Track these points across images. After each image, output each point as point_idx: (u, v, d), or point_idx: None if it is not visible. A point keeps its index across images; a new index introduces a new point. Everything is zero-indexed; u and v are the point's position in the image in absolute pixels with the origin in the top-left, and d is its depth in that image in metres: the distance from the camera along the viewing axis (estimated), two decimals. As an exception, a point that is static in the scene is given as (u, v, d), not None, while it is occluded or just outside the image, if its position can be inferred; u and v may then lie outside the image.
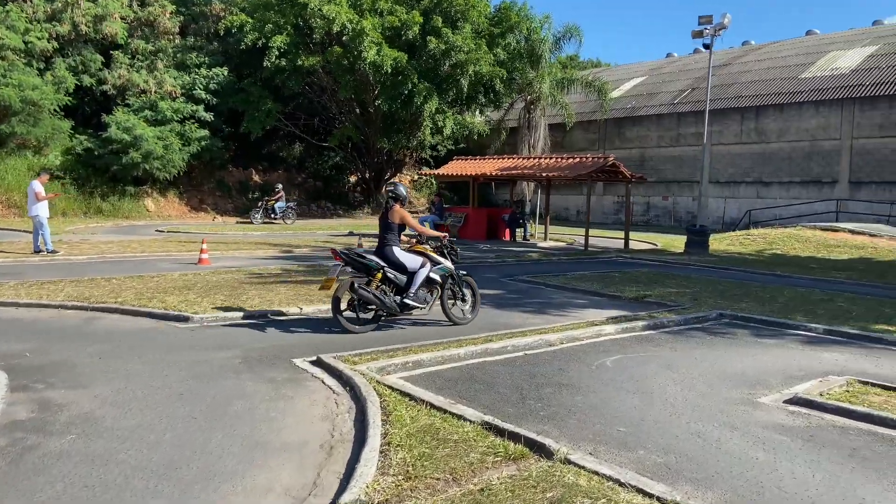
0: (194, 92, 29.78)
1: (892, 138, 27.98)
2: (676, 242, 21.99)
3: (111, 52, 29.81)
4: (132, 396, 5.10)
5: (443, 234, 8.52)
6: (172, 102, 28.79)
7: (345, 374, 5.55)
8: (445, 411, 4.77)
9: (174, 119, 28.36)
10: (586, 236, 20.88)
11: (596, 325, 8.12)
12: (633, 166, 32.27)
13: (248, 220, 26.94)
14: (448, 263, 8.17)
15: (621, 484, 3.69)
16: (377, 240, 8.06)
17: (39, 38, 27.35)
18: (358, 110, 33.58)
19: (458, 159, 25.68)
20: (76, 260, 13.60)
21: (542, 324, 8.24)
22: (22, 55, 26.61)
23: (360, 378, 5.40)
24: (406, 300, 7.65)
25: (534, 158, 23.52)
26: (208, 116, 29.66)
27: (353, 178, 38.79)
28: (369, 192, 37.11)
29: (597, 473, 3.80)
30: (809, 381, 6.02)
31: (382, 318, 7.76)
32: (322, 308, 8.70)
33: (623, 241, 21.51)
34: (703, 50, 22.70)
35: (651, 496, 3.56)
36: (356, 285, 7.37)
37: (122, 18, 30.06)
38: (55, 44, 28.14)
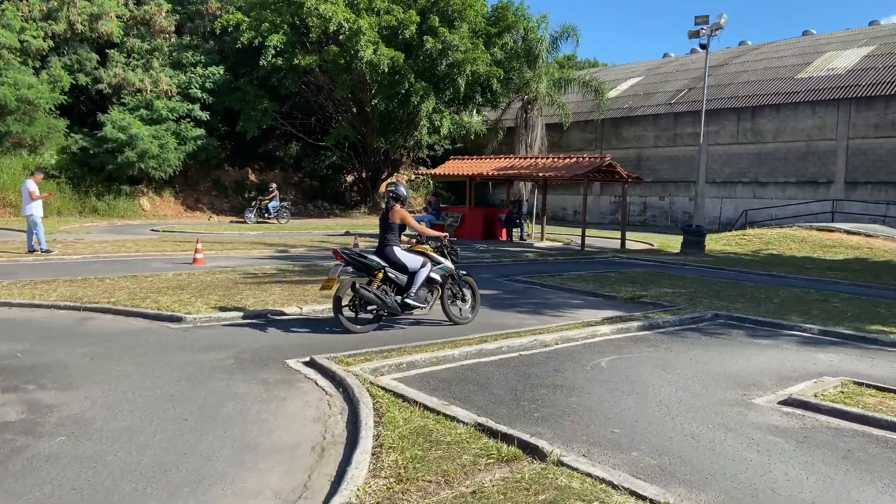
0: (190, 91, 29.71)
1: (887, 139, 28.04)
2: (673, 242, 22.00)
3: (107, 50, 29.72)
4: (123, 398, 5.06)
5: (443, 235, 8.54)
6: (168, 101, 28.71)
7: (338, 375, 5.52)
8: (439, 413, 4.74)
9: (170, 118, 28.29)
10: (583, 236, 20.88)
11: (591, 325, 8.10)
12: (630, 166, 32.32)
13: (242, 220, 26.84)
14: (448, 263, 8.20)
15: (614, 486, 3.67)
16: (377, 240, 8.05)
17: (35, 37, 27.26)
18: (355, 110, 33.53)
19: (454, 159, 25.65)
20: (70, 259, 13.54)
21: (538, 324, 8.23)
22: (17, 54, 26.52)
23: (353, 379, 5.37)
24: (407, 300, 7.67)
25: (530, 158, 23.50)
26: (204, 115, 29.59)
27: (349, 178, 38.75)
28: (366, 191, 37.06)
29: (590, 475, 3.78)
30: (804, 381, 6.00)
31: (384, 317, 7.77)
32: (317, 308, 8.67)
33: (619, 241, 21.50)
34: (700, 50, 22.76)
35: (644, 499, 3.53)
36: (357, 285, 7.38)
37: (117, 17, 29.97)
38: (51, 42, 28.05)
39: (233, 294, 9.34)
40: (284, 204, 27.82)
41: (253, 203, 27.57)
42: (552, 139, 34.90)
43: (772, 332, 8.32)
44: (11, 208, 24.21)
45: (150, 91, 28.76)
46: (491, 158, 24.90)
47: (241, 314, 8.12)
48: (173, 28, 31.84)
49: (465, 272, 8.57)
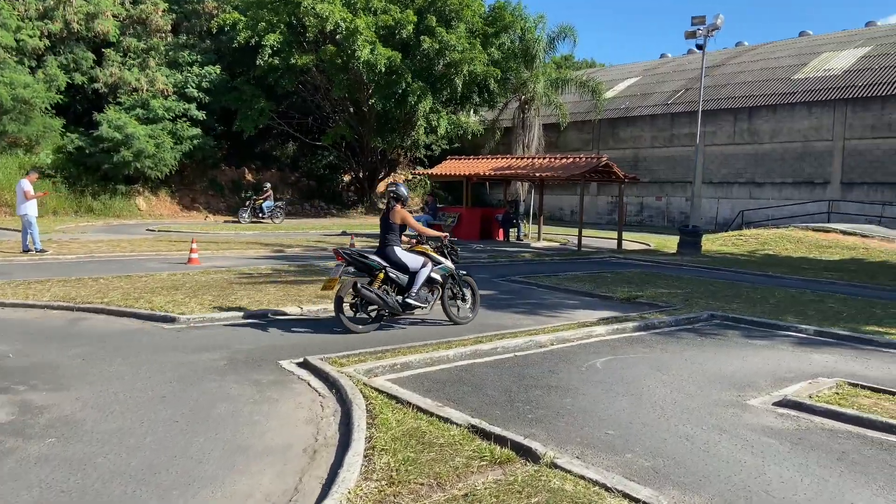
0: (186, 90, 29.63)
1: (883, 139, 28.08)
2: (669, 243, 22.00)
3: (103, 50, 29.62)
4: (114, 399, 5.03)
5: (443, 235, 8.55)
6: (164, 101, 28.63)
7: (331, 377, 5.48)
8: (432, 414, 4.71)
9: (166, 117, 28.21)
10: (579, 236, 20.87)
11: (587, 326, 8.08)
12: (627, 167, 32.31)
13: (236, 220, 26.72)
14: (449, 263, 8.23)
15: (607, 489, 3.64)
16: (374, 240, 8.06)
17: (31, 36, 27.17)
18: (352, 109, 33.49)
19: (451, 159, 25.63)
20: (65, 259, 13.49)
21: (533, 325, 8.21)
22: (13, 53, 26.43)
23: (347, 380, 5.34)
24: (408, 300, 7.68)
25: (527, 158, 23.49)
26: (200, 115, 29.51)
27: (346, 178, 38.70)
28: (363, 191, 37.02)
29: (583, 478, 3.75)
30: (799, 382, 5.99)
31: (385, 317, 7.78)
32: (313, 308, 8.65)
33: (616, 241, 21.49)
34: (697, 51, 22.75)
35: (637, 501, 3.51)
36: (359, 285, 7.39)
37: (114, 16, 29.89)
38: (47, 42, 27.97)
39: (227, 294, 9.30)
40: (279, 204, 27.73)
41: (247, 203, 27.47)
42: (549, 139, 34.90)
43: (767, 332, 8.31)
44: (7, 208, 24.12)
45: (147, 90, 28.68)
46: (488, 158, 24.89)
47: (235, 314, 8.08)
48: (170, 27, 31.76)
49: (464, 272, 8.61)
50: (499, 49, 31.14)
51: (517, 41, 31.16)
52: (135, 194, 28.60)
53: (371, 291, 7.42)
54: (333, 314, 7.53)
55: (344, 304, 7.47)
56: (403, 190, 8.01)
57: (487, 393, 5.47)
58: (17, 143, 26.70)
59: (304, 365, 5.96)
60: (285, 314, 8.38)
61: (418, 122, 31.25)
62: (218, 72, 30.58)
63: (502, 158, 24.28)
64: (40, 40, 27.51)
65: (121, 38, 30.24)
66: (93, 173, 27.23)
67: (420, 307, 7.84)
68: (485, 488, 3.60)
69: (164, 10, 31.27)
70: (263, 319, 8.10)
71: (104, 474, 3.75)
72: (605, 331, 7.92)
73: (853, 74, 30.38)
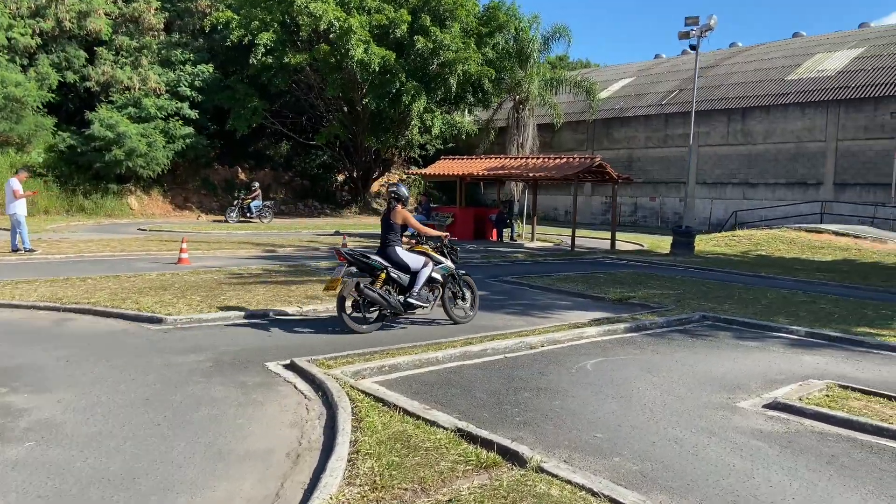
0: (179, 89, 29.48)
1: (876, 140, 28.17)
2: (663, 243, 22.00)
3: (95, 48, 29.46)
4: (96, 401, 4.95)
5: (444, 234, 8.57)
6: (157, 99, 28.49)
7: (317, 379, 5.42)
8: (419, 417, 4.65)
9: (158, 116, 28.07)
10: (573, 237, 20.84)
11: (578, 327, 8.04)
12: (622, 167, 32.35)
13: (224, 219, 26.51)
14: (449, 263, 8.28)
15: (594, 493, 3.59)
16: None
17: (23, 35, 26.99)
18: (346, 109, 33.39)
19: (445, 159, 25.58)
20: (54, 259, 13.37)
21: (525, 326, 8.16)
22: (5, 51, 26.25)
23: (333, 382, 5.27)
24: (410, 299, 7.71)
25: (521, 158, 23.46)
26: (193, 114, 29.38)
27: (340, 177, 38.59)
28: (357, 191, 36.93)
29: (569, 482, 3.70)
30: (789, 384, 5.95)
31: (387, 317, 7.79)
32: (303, 309, 8.57)
33: (610, 241, 21.48)
34: (691, 51, 22.74)
35: (623, 506, 3.46)
36: (362, 285, 7.41)
37: (106, 14, 29.72)
38: (39, 40, 27.77)
39: (216, 295, 9.21)
40: (267, 203, 27.47)
41: (234, 202, 27.23)
42: (544, 139, 34.91)
43: (759, 333, 8.28)
44: (-3, 206, 23.92)
45: (139, 89, 28.52)
46: (481, 158, 24.85)
47: (223, 315, 8.00)
48: (162, 26, 31.61)
49: (464, 272, 8.66)
50: (493, 49, 31.11)
51: (511, 41, 31.13)
52: (127, 193, 28.45)
53: (374, 291, 7.45)
54: (325, 314, 7.51)
55: (346, 305, 7.48)
56: (404, 190, 8.03)
57: (476, 395, 5.41)
58: (9, 142, 26.50)
59: (291, 367, 5.89)
60: (274, 315, 8.30)
61: (412, 122, 31.18)
62: (211, 70, 30.45)
63: (496, 158, 24.25)
64: (32, 38, 27.32)
65: (113, 37, 30.07)
66: (84, 172, 27.06)
67: (422, 307, 7.88)
68: (469, 493, 3.54)
69: (156, 9, 31.11)
70: (251, 320, 8.03)
71: (82, 479, 3.68)
72: (596, 332, 7.88)
73: (846, 75, 30.47)
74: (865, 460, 4.33)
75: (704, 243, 22.04)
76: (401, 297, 7.72)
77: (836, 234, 22.50)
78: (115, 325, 7.53)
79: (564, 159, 21.21)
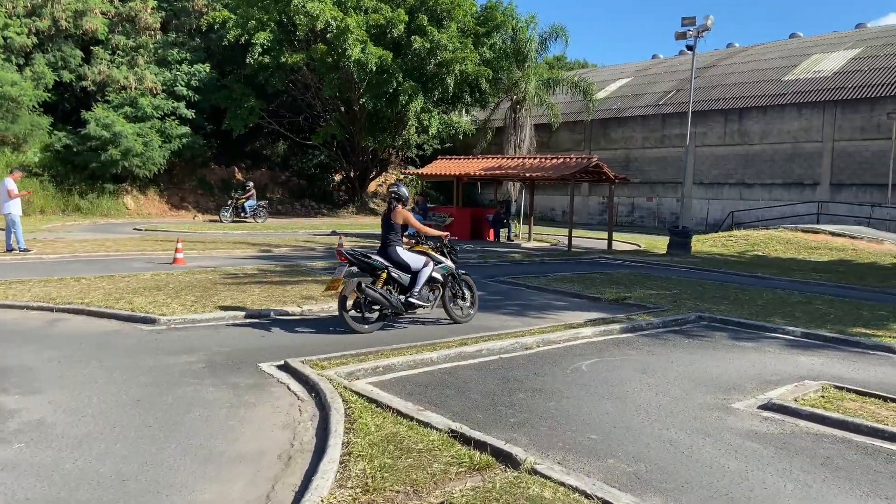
0: (175, 88, 29.42)
1: (872, 141, 28.20)
2: (660, 243, 22.00)
3: (91, 47, 29.38)
4: (87, 403, 4.91)
5: (444, 234, 8.59)
6: (153, 99, 28.41)
7: (311, 380, 5.38)
8: (412, 419, 4.63)
9: (154, 116, 28.00)
10: (569, 237, 20.83)
11: (573, 327, 8.02)
12: (619, 167, 32.34)
13: (218, 219, 26.38)
14: (449, 263, 8.32)
15: (587, 495, 3.57)
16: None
17: (19, 34, 26.89)
18: (343, 108, 33.35)
19: (442, 159, 25.55)
20: (48, 259, 13.32)
21: (520, 326, 8.13)
22: (0, 51, 26.13)
23: (327, 384, 5.24)
24: (411, 299, 7.74)
25: (518, 158, 23.43)
26: (190, 113, 29.31)
27: (337, 177, 38.54)
28: (354, 190, 36.89)
29: (563, 484, 3.67)
30: (785, 385, 5.94)
31: (388, 316, 7.81)
32: (297, 309, 8.54)
33: (607, 241, 21.47)
34: (688, 52, 22.77)
35: (617, 509, 3.44)
36: (363, 285, 7.44)
37: (102, 14, 29.63)
38: (35, 39, 27.67)
39: (210, 295, 9.17)
40: (261, 203, 27.33)
41: (229, 202, 27.12)
42: (541, 139, 34.89)
43: (755, 334, 8.27)
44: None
45: (135, 88, 28.45)
46: (478, 158, 24.83)
47: (217, 315, 7.96)
48: (159, 25, 31.53)
49: (463, 271, 8.69)
50: (490, 49, 31.09)
51: (509, 41, 31.12)
52: (123, 193, 28.37)
53: (375, 291, 7.49)
54: (321, 315, 7.50)
55: (347, 304, 7.49)
56: (404, 190, 8.09)
57: (470, 396, 5.39)
58: (5, 142, 26.41)
59: (285, 368, 5.86)
60: (269, 315, 8.26)
61: (409, 122, 31.15)
62: (207, 70, 30.38)
63: (493, 158, 24.22)
64: (28, 38, 27.23)
65: (109, 36, 29.98)
66: (80, 172, 26.99)
67: (423, 306, 7.91)
68: (462, 496, 3.51)
69: (153, 8, 31.03)
70: (246, 320, 7.99)
71: (71, 481, 3.64)
72: (591, 332, 7.86)
73: (843, 76, 30.50)
74: (860, 462, 4.32)
75: (701, 243, 22.04)
76: (402, 297, 7.76)
77: (833, 234, 22.52)
78: (108, 326, 7.49)
79: (561, 159, 21.20)
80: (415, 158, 39.08)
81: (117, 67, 29.02)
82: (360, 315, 7.57)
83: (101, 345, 6.66)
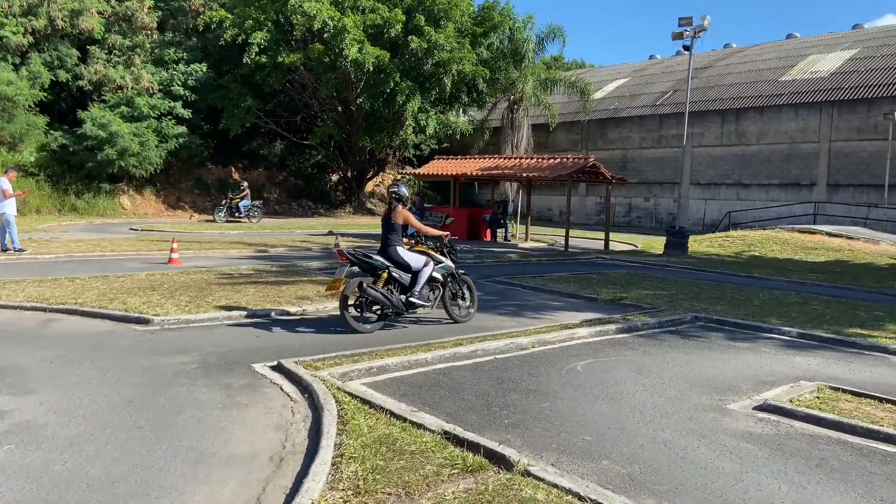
0: (172, 88, 29.35)
1: (869, 141, 28.24)
2: (656, 244, 21.98)
3: (88, 47, 29.31)
4: (78, 404, 4.88)
5: (444, 234, 8.60)
6: (149, 98, 28.34)
7: (304, 381, 5.35)
8: (405, 420, 4.60)
9: (151, 115, 27.94)
10: (566, 237, 20.82)
11: (569, 328, 7.99)
12: (616, 167, 32.35)
13: (212, 219, 26.27)
14: (449, 262, 8.34)
15: (581, 498, 3.54)
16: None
17: (14, 33, 26.81)
18: (340, 108, 33.31)
19: (439, 159, 25.52)
20: (43, 259, 13.26)
21: (516, 327, 8.11)
22: (-4, 50, 26.09)
23: (320, 384, 5.21)
24: (412, 299, 7.77)
25: (515, 158, 23.41)
26: (186, 113, 29.25)
27: (335, 177, 38.49)
28: (351, 190, 36.85)
29: (556, 486, 3.65)
30: (780, 386, 5.92)
31: (389, 316, 7.82)
32: (292, 310, 8.51)
33: (604, 242, 21.46)
34: (685, 52, 22.78)
35: (610, 511, 3.42)
36: (365, 285, 7.45)
37: (99, 13, 29.58)
38: (31, 38, 27.61)
39: (205, 295, 9.14)
40: (256, 203, 27.20)
41: (223, 202, 27.01)
42: (538, 140, 34.86)
43: (751, 334, 8.25)
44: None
45: (132, 88, 28.38)
46: (475, 158, 24.81)
47: (211, 316, 7.92)
48: (155, 24, 31.47)
49: (462, 271, 8.71)
50: (487, 49, 31.07)
51: (506, 41, 31.11)
52: (119, 193, 28.30)
53: (377, 290, 7.51)
54: (316, 315, 7.47)
55: (349, 304, 7.50)
56: (405, 190, 8.12)
57: (464, 397, 5.36)
58: (0, 141, 26.34)
59: (278, 368, 5.83)
60: (263, 315, 8.23)
61: (407, 122, 31.12)
62: (204, 70, 30.32)
63: (490, 158, 24.20)
64: (24, 37, 27.15)
65: (106, 36, 29.92)
66: (76, 171, 26.92)
67: (423, 306, 7.95)
68: (454, 498, 3.49)
69: (149, 8, 30.96)
70: (240, 320, 7.96)
71: (60, 483, 3.61)
72: (587, 333, 7.84)
73: (840, 77, 30.54)
74: (855, 463, 4.30)
75: (698, 244, 22.04)
76: (402, 297, 7.78)
77: (829, 234, 22.53)
78: (102, 326, 7.45)
79: (558, 159, 21.19)
80: (412, 158, 39.05)
81: (114, 67, 28.95)
82: (361, 315, 7.59)
83: (95, 345, 6.63)
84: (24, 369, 5.74)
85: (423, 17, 29.34)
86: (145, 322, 7.50)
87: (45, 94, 27.03)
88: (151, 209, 29.23)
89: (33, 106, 26.68)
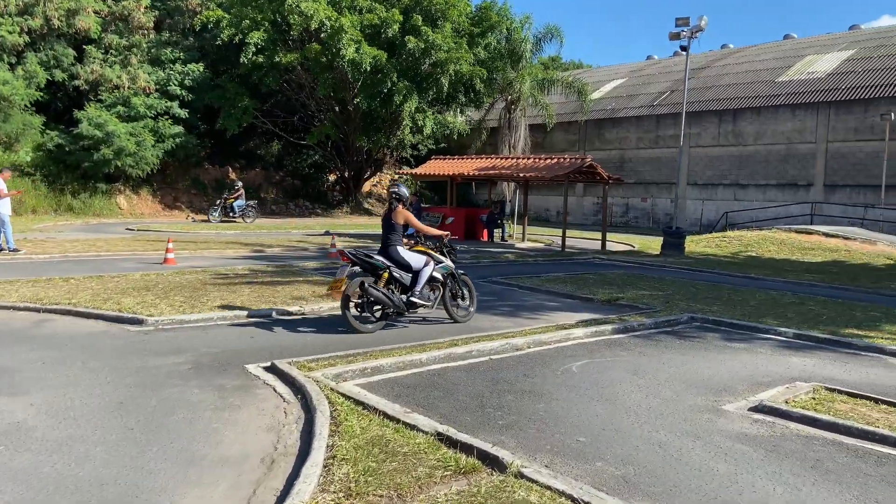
0: (169, 88, 29.26)
1: (866, 142, 28.27)
2: (654, 244, 21.98)
3: (84, 46, 29.22)
4: (69, 405, 4.84)
5: (444, 234, 8.62)
6: (146, 98, 28.25)
7: (297, 381, 5.32)
8: (398, 421, 4.57)
9: (147, 115, 27.84)
10: (563, 237, 20.80)
11: (565, 328, 7.97)
12: (613, 168, 32.35)
13: (206, 219, 26.16)
14: (449, 262, 8.37)
15: (574, 500, 3.52)
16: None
17: (10, 32, 26.72)
18: (337, 108, 33.24)
19: (436, 159, 25.49)
20: (38, 259, 13.20)
21: (512, 327, 8.09)
22: (-8, 49, 26.01)
23: (313, 385, 5.17)
24: (412, 298, 7.80)
25: (512, 159, 23.39)
26: (183, 113, 29.17)
27: (332, 177, 38.43)
28: (348, 191, 36.79)
29: (549, 488, 3.62)
30: (776, 387, 5.90)
31: (390, 316, 7.82)
32: (287, 310, 8.47)
33: (601, 242, 21.45)
34: (682, 52, 22.76)
35: (603, 513, 3.39)
36: (367, 285, 7.47)
37: (95, 13, 29.49)
38: (27, 38, 27.50)
39: (200, 295, 9.09)
40: (250, 203, 27.04)
41: (217, 202, 26.90)
42: (536, 140, 34.86)
43: (747, 335, 8.24)
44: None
45: (128, 88, 28.30)
46: (473, 158, 24.78)
47: (206, 316, 7.88)
48: (152, 24, 31.38)
49: (462, 271, 8.71)
50: (485, 49, 31.04)
51: (503, 41, 31.08)
52: (115, 193, 28.21)
53: (378, 290, 7.53)
54: (312, 315, 7.44)
55: (350, 304, 7.50)
56: (405, 190, 8.15)
57: (458, 398, 5.33)
58: (-4, 141, 26.27)
59: (272, 369, 5.79)
60: (257, 315, 8.19)
61: (404, 122, 31.07)
62: (201, 69, 30.24)
63: (487, 158, 24.18)
64: (20, 36, 27.06)
65: (102, 35, 29.83)
66: (73, 171, 26.82)
67: (424, 305, 7.96)
68: (446, 500, 3.46)
69: (146, 7, 30.88)
70: (234, 321, 7.92)
71: (48, 486, 3.57)
72: (583, 333, 7.81)
73: (837, 77, 30.57)
74: (850, 465, 4.28)
75: (695, 244, 22.04)
76: (403, 297, 7.79)
77: (826, 235, 22.55)
78: (95, 327, 7.41)
79: (555, 160, 21.17)
80: (409, 158, 38.99)
81: (110, 66, 28.86)
82: (363, 315, 7.60)
83: (87, 346, 6.58)
84: (15, 370, 5.69)
85: (420, 17, 29.30)
86: (139, 322, 7.46)
87: (41, 94, 26.93)
88: (148, 209, 29.15)
89: (29, 105, 26.58)
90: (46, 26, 27.86)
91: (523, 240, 22.68)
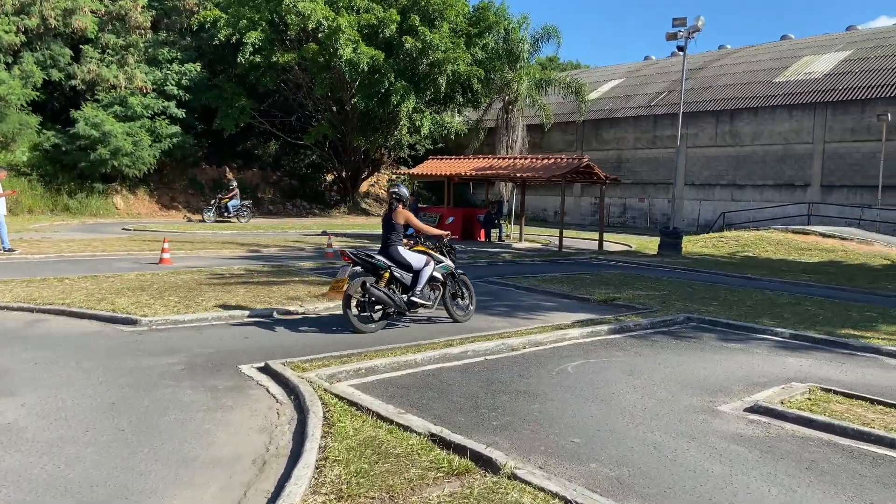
0: (166, 88, 29.21)
1: (863, 142, 28.30)
2: (651, 244, 21.98)
3: (81, 46, 29.13)
4: (61, 406, 4.80)
5: (445, 234, 8.65)
6: (143, 98, 28.18)
7: (291, 382, 5.29)
8: (392, 422, 4.54)
9: (144, 115, 27.78)
10: (560, 237, 20.78)
11: (561, 328, 7.95)
12: (611, 168, 32.35)
13: (201, 219, 26.06)
14: (449, 262, 8.40)
15: (567, 501, 3.50)
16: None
17: (7, 32, 26.64)
18: (334, 108, 33.20)
19: (433, 159, 25.46)
20: (33, 259, 13.15)
21: (508, 327, 8.06)
22: (-12, 49, 25.92)
23: (307, 386, 5.15)
24: (413, 298, 7.83)
25: (509, 159, 23.38)
26: (180, 113, 29.11)
27: (329, 177, 38.39)
28: (346, 191, 36.74)
29: (543, 490, 3.60)
30: (772, 387, 5.88)
31: (391, 315, 7.84)
32: (283, 309, 8.43)
33: (598, 242, 21.44)
34: (680, 53, 22.75)
35: (597, 515, 3.37)
36: (368, 284, 7.49)
37: (92, 12, 29.41)
38: (23, 37, 27.42)
39: (195, 295, 9.06)
40: (245, 203, 26.94)
41: (212, 201, 26.81)
42: (533, 140, 34.83)
43: (743, 335, 8.22)
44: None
45: (125, 88, 28.21)
46: (470, 158, 24.75)
47: (200, 316, 7.85)
48: (149, 24, 31.31)
49: (461, 271, 8.74)
50: (482, 49, 31.00)
51: (501, 41, 31.05)
52: (112, 193, 28.14)
53: (379, 290, 7.56)
54: (308, 315, 7.42)
55: (352, 304, 7.51)
56: (405, 191, 8.20)
57: (453, 399, 5.31)
58: (-8, 141, 26.18)
59: (265, 370, 5.76)
60: (252, 315, 8.16)
61: (401, 122, 31.04)
62: (198, 69, 30.18)
63: (484, 158, 24.16)
64: (16, 36, 26.97)
65: (99, 35, 29.75)
66: (69, 171, 26.75)
67: (425, 305, 7.99)
68: (439, 502, 3.44)
69: (143, 7, 30.81)
70: (229, 321, 7.88)
71: (38, 487, 3.54)
72: (579, 334, 7.79)
73: (834, 78, 30.59)
74: (846, 466, 4.26)
75: (692, 244, 22.03)
76: (404, 297, 7.82)
77: (823, 235, 22.56)
78: (89, 327, 7.37)
79: (552, 160, 21.16)
80: (407, 158, 38.96)
81: (107, 66, 28.79)
82: (363, 314, 7.60)
83: (81, 346, 6.55)
84: (7, 371, 5.66)
85: (417, 18, 29.27)
86: (133, 323, 7.42)
87: (38, 94, 26.84)
88: (145, 209, 29.08)
89: (26, 105, 26.49)
90: (43, 26, 27.78)
91: (520, 240, 22.66)
